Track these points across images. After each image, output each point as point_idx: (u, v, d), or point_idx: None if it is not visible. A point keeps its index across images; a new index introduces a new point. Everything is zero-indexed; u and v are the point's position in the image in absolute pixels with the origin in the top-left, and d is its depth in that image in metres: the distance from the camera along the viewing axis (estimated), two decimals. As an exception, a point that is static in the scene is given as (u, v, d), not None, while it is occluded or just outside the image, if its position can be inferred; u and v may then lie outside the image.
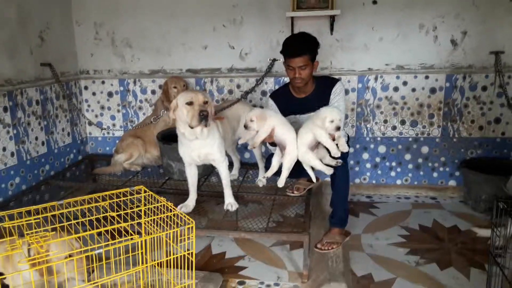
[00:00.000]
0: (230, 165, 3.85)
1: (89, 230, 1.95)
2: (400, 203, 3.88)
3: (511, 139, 3.85)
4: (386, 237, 3.26)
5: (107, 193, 2.33)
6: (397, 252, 3.04)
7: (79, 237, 1.92)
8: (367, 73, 3.87)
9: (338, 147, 2.78)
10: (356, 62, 3.86)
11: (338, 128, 2.73)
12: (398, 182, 4.08)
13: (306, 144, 2.85)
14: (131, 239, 1.89)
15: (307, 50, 2.92)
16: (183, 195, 3.30)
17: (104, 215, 2.12)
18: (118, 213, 2.14)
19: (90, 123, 4.32)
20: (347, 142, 3.21)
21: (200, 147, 2.94)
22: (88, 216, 2.16)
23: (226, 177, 3.11)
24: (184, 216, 2.06)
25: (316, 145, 2.86)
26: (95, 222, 2.15)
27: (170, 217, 2.13)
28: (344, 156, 2.92)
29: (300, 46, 2.93)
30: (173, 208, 2.15)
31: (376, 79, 3.87)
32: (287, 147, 2.91)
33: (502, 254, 2.51)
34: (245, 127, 2.88)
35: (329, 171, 2.83)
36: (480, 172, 3.59)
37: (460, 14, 3.67)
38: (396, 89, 3.87)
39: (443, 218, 3.55)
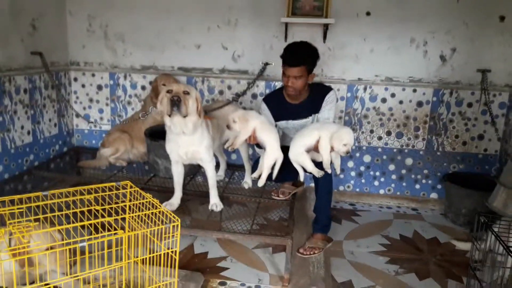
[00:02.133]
0: (217, 166, 3.87)
1: (73, 223, 1.94)
2: (382, 213, 3.93)
3: (493, 155, 3.94)
4: (367, 244, 3.30)
5: (92, 186, 2.31)
6: (378, 260, 3.09)
7: (62, 229, 1.90)
8: (357, 82, 3.92)
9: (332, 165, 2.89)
10: (346, 71, 3.91)
11: (348, 152, 2.80)
12: (381, 191, 4.13)
13: (305, 146, 2.89)
14: (115, 234, 1.88)
15: (305, 62, 2.95)
16: (168, 193, 3.28)
17: (88, 208, 2.11)
18: (103, 207, 2.12)
19: (78, 115, 4.28)
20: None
21: (188, 145, 2.92)
22: (73, 209, 2.14)
23: (212, 177, 3.11)
24: (170, 214, 2.06)
25: (311, 150, 2.90)
26: (79, 214, 2.14)
27: (155, 214, 2.13)
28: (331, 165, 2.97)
29: (300, 57, 2.95)
30: (159, 205, 2.15)
31: (365, 89, 3.92)
32: (267, 148, 2.95)
33: (480, 268, 2.58)
34: (228, 127, 2.92)
35: (319, 173, 2.87)
36: (462, 187, 3.66)
37: (451, 31, 3.75)
38: (384, 100, 3.93)
39: (423, 230, 3.61)
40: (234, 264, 2.94)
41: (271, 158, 2.93)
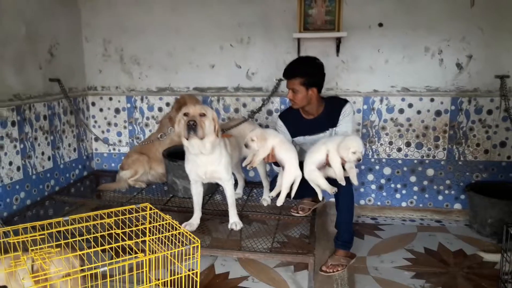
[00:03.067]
0: (235, 184, 3.86)
1: (94, 247, 1.94)
2: (405, 226, 3.85)
3: (516, 163, 3.85)
4: (392, 259, 3.23)
5: (112, 209, 2.33)
6: (403, 275, 3.00)
7: (83, 254, 1.90)
8: (372, 94, 3.89)
9: (349, 178, 2.84)
10: (361, 83, 3.88)
11: (359, 160, 2.76)
12: (403, 204, 4.05)
13: (315, 163, 2.87)
14: (136, 257, 1.88)
15: (298, 74, 2.94)
16: (187, 213, 3.29)
17: (109, 232, 2.12)
18: (123, 230, 2.13)
19: (97, 139, 4.34)
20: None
21: (206, 164, 2.93)
22: (93, 233, 2.15)
23: (231, 196, 3.10)
24: (190, 235, 2.05)
25: (324, 165, 2.87)
26: (99, 239, 2.15)
27: (175, 235, 2.12)
28: (348, 179, 2.92)
29: (292, 69, 2.98)
30: (178, 226, 2.14)
31: (381, 100, 3.89)
32: (285, 166, 2.94)
33: (510, 280, 2.49)
34: (246, 146, 2.92)
35: (332, 190, 2.85)
36: (486, 196, 3.57)
37: (466, 37, 3.70)
38: (401, 111, 3.88)
39: (448, 242, 3.51)
40: (256, 284, 2.89)
41: (290, 177, 2.91)
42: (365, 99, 3.90)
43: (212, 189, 3.71)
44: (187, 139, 2.77)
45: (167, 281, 2.14)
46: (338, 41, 3.75)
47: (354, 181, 2.90)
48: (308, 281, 2.67)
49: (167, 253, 1.97)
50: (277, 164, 3.03)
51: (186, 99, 3.79)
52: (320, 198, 3.02)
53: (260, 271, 3.05)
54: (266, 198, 3.52)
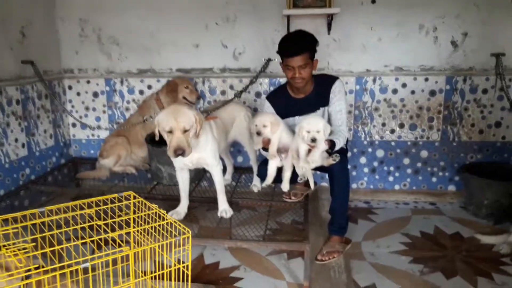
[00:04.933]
0: (223, 170, 3.70)
1: (73, 241, 1.75)
2: (399, 209, 3.74)
3: (511, 143, 3.75)
4: (388, 244, 3.12)
5: (93, 199, 2.13)
6: (400, 260, 2.90)
7: (61, 249, 1.71)
8: (365, 74, 3.74)
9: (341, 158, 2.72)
10: (353, 63, 3.72)
11: (313, 140, 2.62)
12: (397, 187, 3.94)
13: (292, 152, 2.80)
14: (120, 251, 1.70)
15: (307, 48, 2.77)
16: (173, 201, 3.12)
17: (89, 223, 1.92)
18: (105, 221, 1.94)
19: (74, 125, 4.10)
20: (346, 145, 3.08)
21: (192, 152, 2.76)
22: (72, 225, 1.95)
23: (220, 182, 2.94)
24: (179, 225, 1.87)
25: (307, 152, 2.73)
26: (79, 231, 1.95)
27: (163, 225, 1.94)
28: (343, 160, 2.79)
29: (300, 44, 2.78)
30: (166, 216, 1.96)
31: (374, 80, 3.74)
32: (290, 151, 2.84)
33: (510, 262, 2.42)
34: (258, 133, 2.78)
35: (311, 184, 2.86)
36: (482, 177, 3.47)
37: (461, 14, 3.57)
38: (395, 91, 3.75)
39: (444, 225, 3.42)
40: (248, 273, 2.74)
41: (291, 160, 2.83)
42: (358, 79, 3.75)
43: (199, 176, 3.53)
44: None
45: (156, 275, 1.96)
46: (330, 18, 3.57)
47: (311, 183, 2.85)
48: (304, 269, 2.53)
49: (155, 246, 1.79)
50: (264, 149, 2.88)
51: (177, 82, 3.58)
52: (312, 186, 2.88)
53: (252, 260, 2.90)
54: (256, 184, 3.36)
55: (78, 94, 4.08)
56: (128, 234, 2.08)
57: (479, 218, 3.52)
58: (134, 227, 1.95)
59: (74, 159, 4.17)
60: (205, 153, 2.80)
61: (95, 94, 4.06)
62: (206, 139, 2.79)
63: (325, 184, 3.87)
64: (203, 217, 3.29)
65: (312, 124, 2.63)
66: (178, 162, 2.85)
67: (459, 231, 3.31)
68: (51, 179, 3.76)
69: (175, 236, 1.83)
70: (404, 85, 3.73)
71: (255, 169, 3.42)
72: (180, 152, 2.52)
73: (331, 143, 2.71)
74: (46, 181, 3.69)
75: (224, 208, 2.94)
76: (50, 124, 3.83)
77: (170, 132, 2.55)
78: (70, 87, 4.08)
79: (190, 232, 1.82)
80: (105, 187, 3.55)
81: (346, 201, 2.88)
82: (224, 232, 2.90)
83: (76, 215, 1.96)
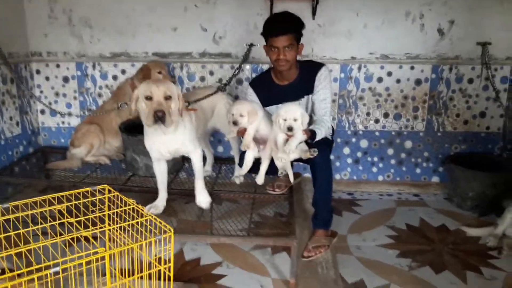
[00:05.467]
0: (203, 161, 3.53)
1: (42, 240, 1.57)
2: (383, 201, 3.67)
3: (495, 133, 3.73)
4: (374, 237, 3.04)
5: (63, 193, 1.94)
6: (387, 254, 2.82)
7: (29, 250, 1.53)
8: (350, 62, 3.62)
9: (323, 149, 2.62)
10: (339, 49, 3.60)
11: (289, 129, 2.50)
12: (380, 178, 3.87)
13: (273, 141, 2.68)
14: (95, 253, 1.52)
15: (293, 29, 2.65)
16: (151, 193, 2.94)
17: (60, 221, 1.74)
18: (77, 218, 1.76)
19: (43, 111, 3.84)
20: (332, 136, 2.96)
21: (169, 142, 2.61)
22: (41, 223, 1.76)
23: (199, 169, 2.76)
24: (160, 223, 1.71)
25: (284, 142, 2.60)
26: (49, 230, 1.77)
27: (141, 222, 1.77)
28: (325, 151, 2.68)
29: (286, 24, 2.64)
30: (144, 211, 1.79)
31: (359, 68, 3.63)
32: (268, 142, 2.71)
33: (497, 255, 2.41)
34: (234, 123, 2.62)
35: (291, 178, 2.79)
36: (467, 168, 3.42)
37: (448, 1, 3.49)
38: (380, 79, 3.64)
39: (429, 217, 3.37)
40: (231, 270, 2.61)
41: (270, 152, 2.69)
42: (343, 66, 3.62)
43: (177, 167, 3.36)
44: (149, 126, 2.44)
45: (133, 275, 1.79)
46: (315, 2, 3.42)
47: (291, 178, 2.79)
48: (290, 265, 2.40)
49: (134, 246, 1.62)
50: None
51: (150, 67, 3.36)
52: (292, 180, 2.78)
53: (234, 255, 2.76)
54: (238, 176, 3.21)
55: (47, 78, 3.81)
56: (103, 232, 1.91)
57: (464, 210, 3.48)
58: (109, 225, 1.77)
59: (43, 148, 3.91)
60: (183, 144, 2.65)
61: (66, 79, 3.80)
62: (184, 129, 2.63)
63: (308, 175, 3.74)
64: (181, 210, 3.10)
65: (289, 112, 2.52)
66: (154, 152, 2.68)
67: (445, 223, 3.26)
68: (18, 170, 3.51)
69: (155, 234, 1.66)
70: (389, 74, 3.63)
71: (237, 159, 3.27)
72: (160, 114, 2.33)
73: (311, 133, 2.58)
74: (12, 172, 3.43)
75: (202, 198, 2.79)
76: (16, 111, 3.56)
77: (149, 98, 2.38)
78: (38, 71, 3.80)
79: (172, 230, 1.66)
80: (76, 178, 3.33)
81: (329, 193, 2.76)
82: (205, 226, 2.74)
83: (45, 211, 1.77)
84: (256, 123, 2.65)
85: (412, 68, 3.61)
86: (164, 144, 2.61)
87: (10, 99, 3.49)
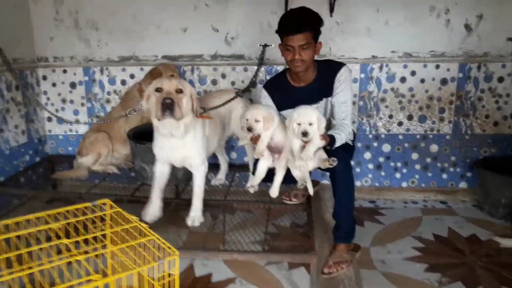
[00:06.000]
0: (217, 168, 3.37)
1: (36, 262, 1.41)
2: (408, 209, 3.44)
3: (529, 136, 3.47)
4: (399, 250, 2.81)
5: (60, 210, 1.79)
6: (415, 268, 2.60)
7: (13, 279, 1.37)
8: (371, 61, 3.40)
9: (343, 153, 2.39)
10: (358, 48, 3.38)
11: (304, 134, 2.28)
12: (404, 184, 3.63)
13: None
14: (89, 280, 1.35)
15: (309, 26, 2.44)
16: (160, 205, 2.78)
17: (53, 242, 1.57)
18: (74, 239, 1.59)
19: (50, 119, 3.71)
20: (353, 141, 2.75)
21: (177, 148, 2.49)
22: (36, 243, 1.60)
23: (200, 185, 2.65)
24: (163, 243, 1.53)
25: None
26: (47, 248, 1.61)
27: (143, 243, 1.60)
28: (345, 158, 2.47)
29: (301, 21, 2.44)
30: (148, 231, 1.62)
31: (381, 68, 3.41)
32: (284, 151, 2.50)
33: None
34: (249, 129, 2.41)
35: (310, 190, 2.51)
36: (498, 173, 3.17)
37: (475, -6, 3.25)
38: (403, 79, 3.42)
39: (458, 226, 3.13)
40: (245, 287, 2.41)
41: (285, 162, 2.50)
42: (363, 66, 3.41)
43: (190, 175, 3.18)
44: (159, 120, 2.31)
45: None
46: (332, -2, 3.23)
47: (310, 190, 2.50)
48: (310, 283, 2.21)
49: (135, 271, 1.44)
50: None
51: (161, 70, 3.20)
52: (311, 192, 2.54)
53: (249, 270, 2.57)
54: (253, 184, 3.02)
55: (54, 85, 3.68)
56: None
57: (495, 219, 3.22)
58: (109, 246, 1.60)
59: (51, 157, 3.78)
60: (191, 152, 2.53)
61: (73, 85, 3.67)
62: (195, 137, 2.50)
63: (327, 182, 3.54)
64: (193, 221, 2.94)
65: (303, 115, 2.30)
66: (161, 157, 2.58)
67: (475, 233, 3.02)
68: (24, 180, 3.38)
69: (159, 258, 1.48)
70: (413, 73, 3.40)
71: (251, 167, 3.08)
72: (169, 101, 2.22)
73: (330, 139, 2.37)
74: (18, 182, 3.31)
75: (195, 215, 2.63)
76: (22, 119, 3.44)
77: (159, 90, 2.29)
78: (44, 77, 3.67)
79: (177, 253, 1.48)
80: (84, 188, 3.21)
81: (351, 203, 2.55)
82: (216, 239, 2.62)
83: (37, 232, 1.61)
84: (271, 130, 2.44)
85: (437, 67, 3.38)
86: (172, 149, 2.50)
87: (15, 107, 3.36)
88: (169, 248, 1.50)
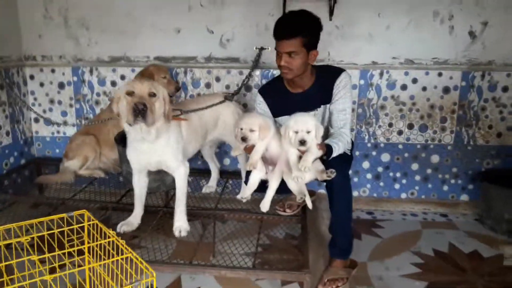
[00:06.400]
0: (208, 174, 3.24)
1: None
2: (407, 221, 3.31)
3: (533, 148, 3.34)
4: (397, 266, 2.68)
5: (33, 221, 1.64)
6: (414, 287, 2.46)
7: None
8: (371, 67, 3.28)
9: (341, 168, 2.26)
10: (358, 53, 3.26)
11: (302, 143, 2.14)
12: (403, 196, 3.50)
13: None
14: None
15: (300, 32, 2.27)
16: (147, 213, 2.65)
17: (21, 259, 1.43)
18: (42, 256, 1.44)
19: (37, 120, 3.57)
20: (351, 150, 2.61)
21: (149, 152, 2.37)
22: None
23: (181, 188, 2.50)
24: (141, 263, 1.39)
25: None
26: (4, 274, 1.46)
27: (118, 261, 1.46)
28: (344, 169, 2.34)
29: (292, 26, 2.28)
30: (126, 248, 1.48)
31: (381, 74, 3.29)
32: (279, 163, 2.35)
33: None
34: (243, 139, 2.26)
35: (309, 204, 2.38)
36: (503, 186, 3.04)
37: (481, 1, 3.13)
38: (404, 87, 3.30)
39: (459, 241, 3.00)
40: (234, 303, 2.28)
41: (280, 175, 2.35)
42: (362, 72, 3.29)
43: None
44: (130, 125, 2.21)
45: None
46: (332, 1, 3.10)
47: (308, 204, 2.37)
48: (303, 303, 2.07)
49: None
50: None
51: (153, 71, 3.07)
52: (310, 206, 2.41)
53: (239, 285, 2.43)
54: (244, 196, 2.88)
55: (42, 84, 3.54)
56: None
57: (498, 234, 3.10)
58: (82, 265, 1.46)
59: (37, 160, 3.64)
60: (164, 156, 2.41)
61: (61, 85, 3.53)
62: (168, 142, 2.38)
63: (323, 191, 3.41)
64: (182, 230, 2.80)
65: (301, 123, 2.17)
66: (135, 162, 2.46)
67: (477, 249, 2.90)
68: (7, 183, 3.24)
69: (135, 280, 1.34)
70: (414, 81, 3.28)
71: (243, 175, 2.94)
72: (141, 106, 2.09)
73: (327, 149, 2.24)
74: (1, 185, 3.16)
75: (180, 225, 2.48)
76: (6, 119, 3.29)
77: (131, 94, 2.17)
78: (32, 77, 3.54)
79: (155, 274, 1.34)
80: (71, 192, 3.08)
81: (349, 217, 2.41)
82: (207, 249, 2.52)
83: (8, 244, 1.47)
84: (267, 140, 2.29)
85: (439, 74, 3.26)
86: (144, 154, 2.38)
87: (0, 107, 3.22)
88: (147, 268, 1.36)
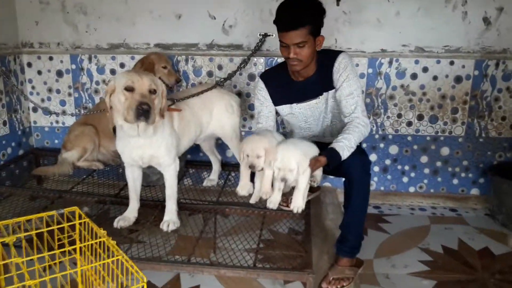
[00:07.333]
0: (209, 168, 3.15)
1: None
2: (415, 216, 3.20)
3: (548, 140, 3.21)
4: (405, 263, 2.58)
5: (21, 219, 1.56)
6: (422, 286, 2.37)
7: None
8: (380, 55, 3.14)
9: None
10: (366, 41, 3.13)
11: (251, 167, 2.16)
12: (411, 189, 3.39)
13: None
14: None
15: (307, 21, 2.13)
16: (145, 207, 2.59)
17: (4, 262, 1.34)
18: (29, 258, 1.36)
19: (36, 109, 3.48)
20: (360, 143, 2.48)
21: (142, 147, 2.26)
22: None
23: (172, 186, 2.42)
24: (131, 266, 1.29)
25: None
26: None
27: (108, 264, 1.37)
28: (365, 164, 2.23)
29: (298, 15, 2.13)
30: (116, 249, 1.39)
31: (390, 63, 3.15)
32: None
33: None
34: (251, 167, 2.19)
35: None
36: (513, 180, 2.94)
37: (496, -15, 2.98)
38: (414, 76, 3.16)
39: (469, 237, 2.89)
40: (235, 302, 2.20)
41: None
42: (371, 60, 3.15)
43: (180, 173, 2.96)
44: (128, 122, 2.07)
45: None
46: (340, -15, 2.96)
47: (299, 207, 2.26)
48: (305, 303, 1.98)
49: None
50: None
51: (153, 60, 2.95)
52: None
53: (240, 283, 2.35)
54: (240, 190, 2.79)
55: (39, 72, 3.44)
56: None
57: (510, 230, 2.98)
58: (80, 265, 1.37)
59: (35, 150, 3.55)
60: (159, 151, 2.30)
61: (59, 73, 3.43)
62: (162, 135, 2.27)
63: (328, 184, 3.31)
64: (183, 224, 2.72)
65: (284, 162, 2.10)
66: (126, 156, 2.34)
67: (488, 246, 2.79)
68: (5, 175, 3.16)
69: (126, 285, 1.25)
70: (425, 69, 3.14)
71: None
72: (146, 107, 1.98)
73: (330, 154, 2.14)
74: (-2, 176, 3.09)
75: (169, 219, 2.40)
76: (3, 109, 3.21)
77: (130, 90, 2.03)
78: (29, 64, 3.44)
79: (145, 280, 1.24)
80: (70, 184, 2.99)
81: (363, 216, 2.29)
82: (207, 245, 2.46)
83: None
84: (275, 163, 2.16)
85: (451, 63, 3.12)
86: (138, 148, 2.26)
87: (-4, 96, 3.13)
88: (137, 272, 1.27)
